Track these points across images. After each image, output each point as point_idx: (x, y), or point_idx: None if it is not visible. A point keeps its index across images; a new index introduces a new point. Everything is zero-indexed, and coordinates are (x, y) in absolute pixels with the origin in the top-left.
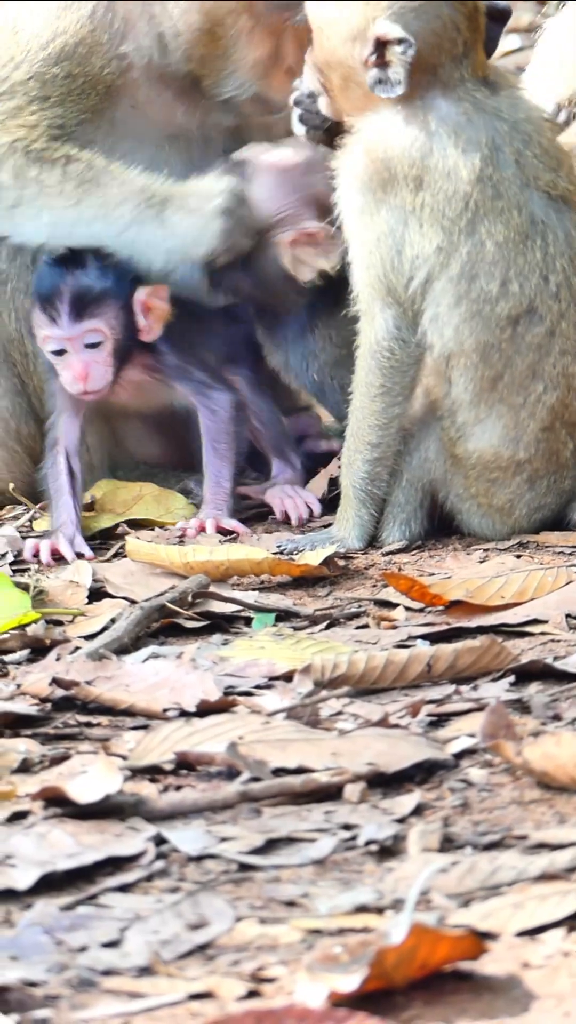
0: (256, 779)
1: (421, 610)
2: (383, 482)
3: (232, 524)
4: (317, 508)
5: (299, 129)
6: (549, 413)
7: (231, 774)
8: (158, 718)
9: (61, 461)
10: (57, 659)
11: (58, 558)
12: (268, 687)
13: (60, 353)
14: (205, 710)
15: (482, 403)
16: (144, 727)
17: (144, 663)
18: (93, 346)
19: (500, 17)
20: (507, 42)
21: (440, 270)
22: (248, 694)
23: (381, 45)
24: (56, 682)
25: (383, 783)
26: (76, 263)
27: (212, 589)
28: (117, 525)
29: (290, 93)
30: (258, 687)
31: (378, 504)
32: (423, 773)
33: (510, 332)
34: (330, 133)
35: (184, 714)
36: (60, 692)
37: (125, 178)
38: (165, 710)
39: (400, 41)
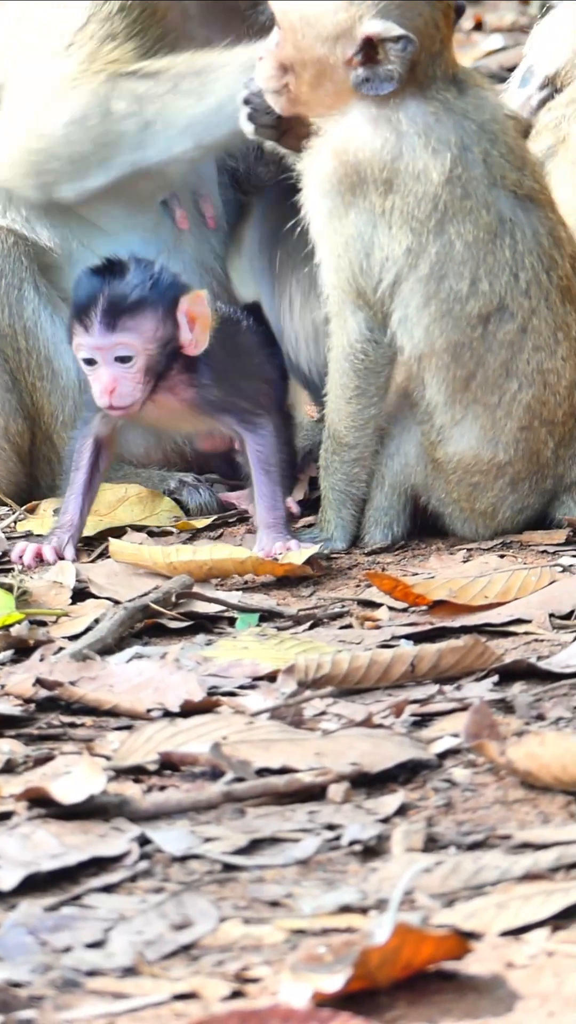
0: (240, 779)
1: (404, 610)
2: (362, 483)
3: (294, 544)
4: (296, 510)
5: (247, 127)
6: (526, 412)
7: (215, 774)
8: (142, 718)
9: (87, 453)
10: (41, 660)
11: (41, 561)
12: (252, 687)
13: (91, 363)
14: (189, 710)
15: (457, 404)
16: (128, 727)
17: (128, 663)
18: (124, 360)
19: (456, 15)
20: (490, 41)
21: (409, 271)
22: (232, 694)
23: (370, 43)
24: (40, 683)
25: (367, 783)
26: (116, 272)
27: (196, 589)
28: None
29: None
30: (242, 687)
31: (358, 504)
32: (407, 773)
33: (481, 331)
34: (279, 130)
35: (168, 714)
36: (44, 693)
37: (231, 57)
38: (149, 710)
39: (399, 39)
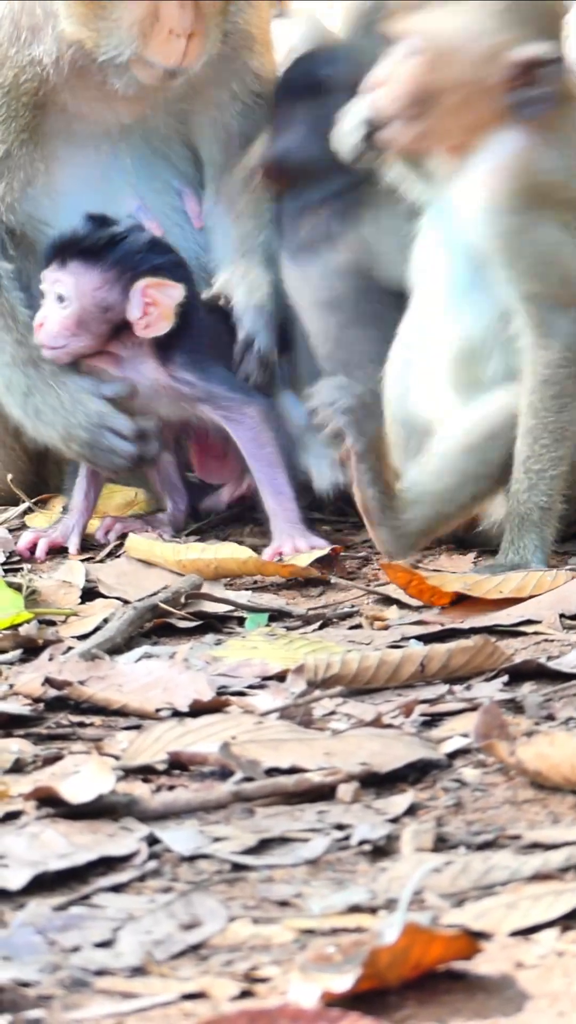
0: (249, 779)
1: (416, 609)
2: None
3: (314, 542)
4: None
5: (357, 149)
6: None
7: (224, 774)
8: (151, 718)
9: None
10: (50, 659)
11: (49, 552)
12: (261, 687)
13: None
14: (198, 710)
15: None
16: (137, 727)
17: (137, 663)
18: (60, 300)
19: None
20: None
21: None
22: (241, 694)
23: (526, 66)
24: (49, 682)
25: (376, 783)
26: (102, 221)
27: (205, 589)
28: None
29: (173, 57)
30: (251, 687)
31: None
32: (416, 773)
33: None
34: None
35: (177, 714)
36: (53, 692)
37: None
38: (158, 710)
39: (553, 60)
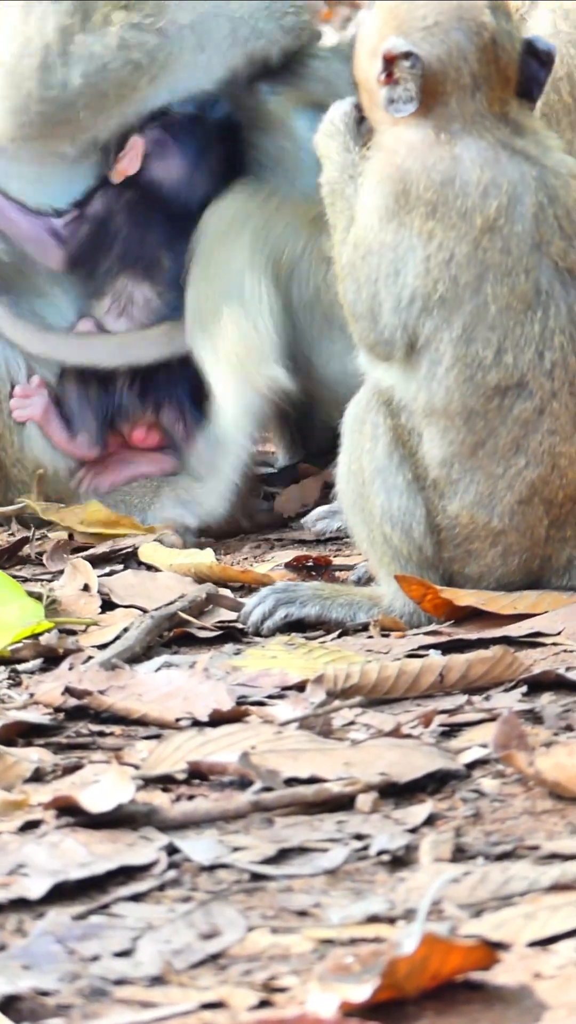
0: (268, 789)
1: (429, 621)
2: None
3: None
4: None
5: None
6: (528, 488)
7: (243, 784)
8: (171, 728)
9: None
10: (70, 668)
11: None
12: (280, 697)
13: None
14: (218, 720)
15: (456, 465)
16: (157, 737)
17: (157, 672)
18: None
19: (544, 59)
20: None
21: (440, 323)
22: (260, 704)
23: (389, 61)
24: (69, 691)
25: (395, 793)
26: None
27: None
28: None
29: None
30: (271, 697)
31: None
32: (435, 783)
33: (497, 402)
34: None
35: (197, 724)
36: (73, 701)
37: None
38: (178, 720)
39: (407, 55)
